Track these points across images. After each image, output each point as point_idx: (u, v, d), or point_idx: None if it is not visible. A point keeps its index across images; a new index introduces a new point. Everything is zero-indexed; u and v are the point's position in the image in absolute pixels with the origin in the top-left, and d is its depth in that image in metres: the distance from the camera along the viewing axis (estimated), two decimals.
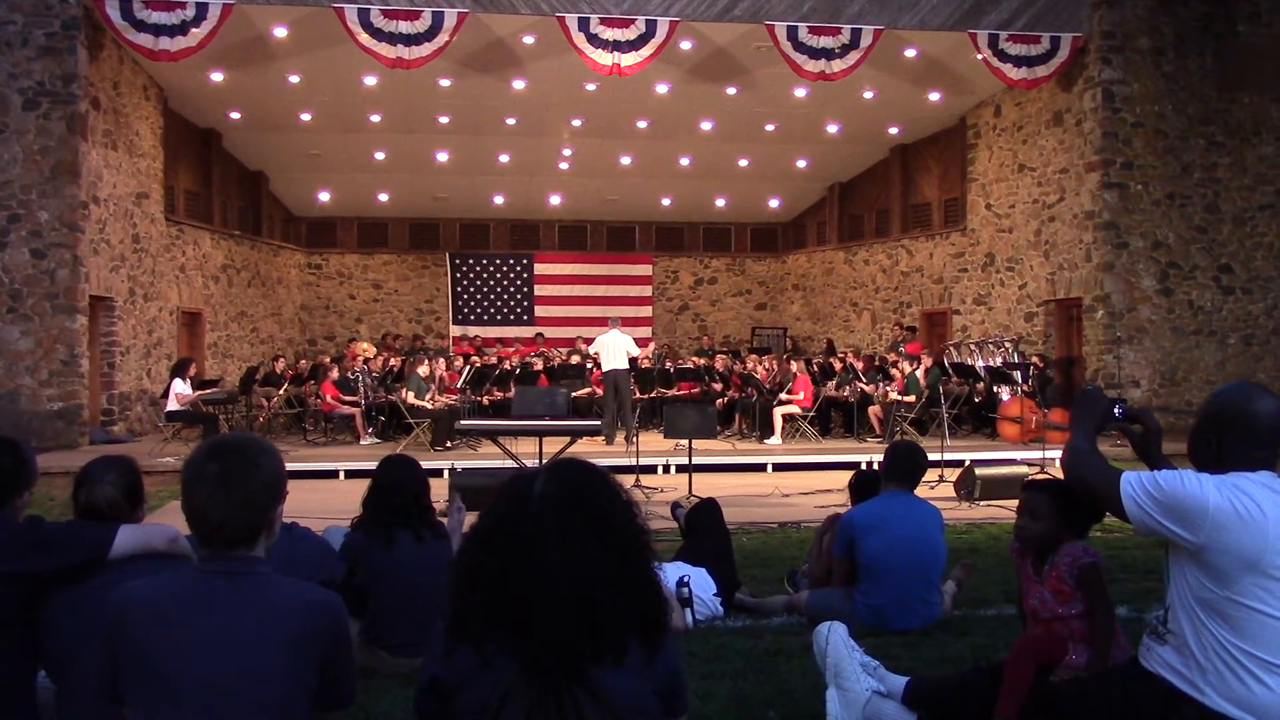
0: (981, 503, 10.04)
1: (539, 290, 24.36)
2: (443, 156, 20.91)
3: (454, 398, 15.76)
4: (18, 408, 14.44)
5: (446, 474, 10.87)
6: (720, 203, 23.94)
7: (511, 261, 24.34)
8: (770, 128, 19.99)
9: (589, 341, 18.14)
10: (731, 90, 18.18)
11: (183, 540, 3.17)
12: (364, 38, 14.37)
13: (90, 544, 3.10)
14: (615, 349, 15.10)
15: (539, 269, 24.39)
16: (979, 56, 15.80)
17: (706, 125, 19.74)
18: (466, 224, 24.56)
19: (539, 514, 2.09)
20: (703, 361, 19.24)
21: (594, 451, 13.43)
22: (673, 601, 5.48)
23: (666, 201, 23.88)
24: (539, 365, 18.34)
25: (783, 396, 15.80)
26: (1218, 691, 2.88)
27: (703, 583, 5.81)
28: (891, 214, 21.89)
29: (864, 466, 11.28)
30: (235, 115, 19.05)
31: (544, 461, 2.36)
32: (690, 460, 11.04)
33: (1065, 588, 3.88)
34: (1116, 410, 3.37)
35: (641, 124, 19.68)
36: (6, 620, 3.10)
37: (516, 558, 2.07)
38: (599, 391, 16.89)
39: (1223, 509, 2.85)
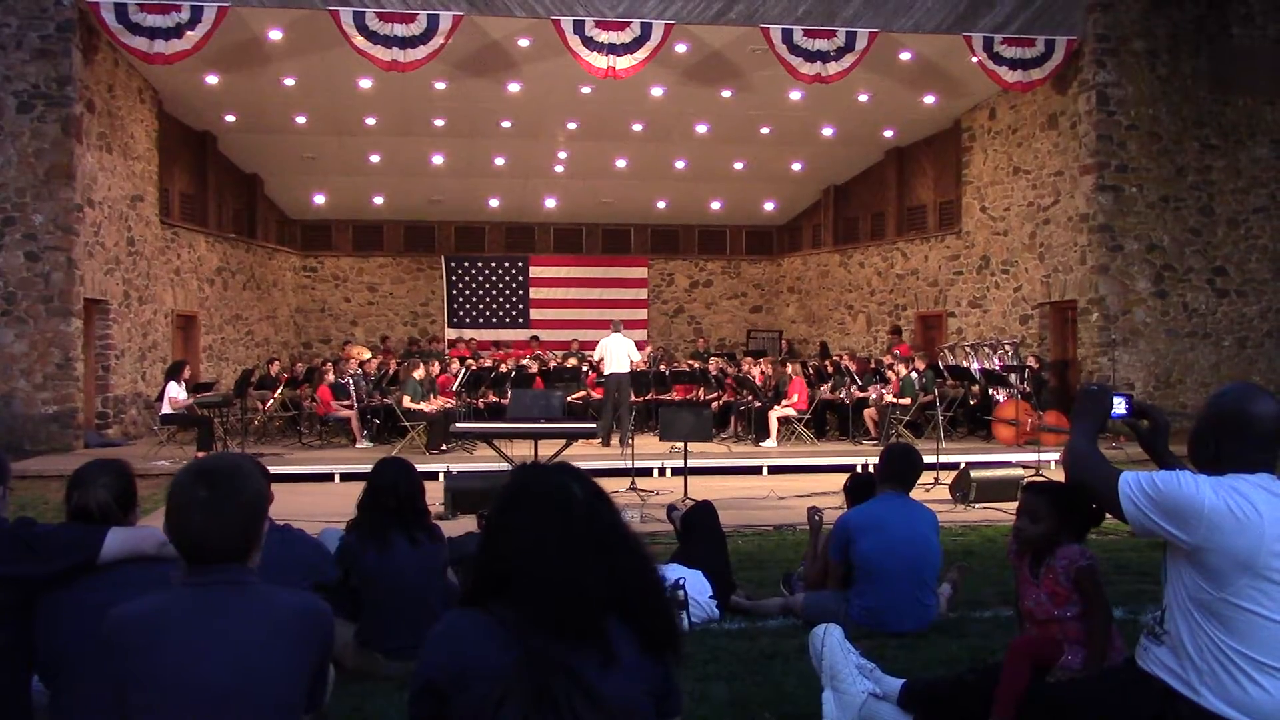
0: (977, 505, 10.05)
1: (534, 293, 24.35)
2: (438, 159, 20.91)
3: (449, 401, 15.76)
4: (12, 411, 14.41)
5: (442, 477, 10.87)
6: (715, 205, 23.96)
7: (507, 264, 24.34)
8: (765, 130, 20.00)
9: (585, 345, 18.14)
10: (726, 93, 18.19)
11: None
12: (359, 40, 14.36)
13: (80, 547, 3.10)
14: (617, 353, 15.16)
15: (534, 271, 24.39)
16: (974, 59, 15.82)
17: (701, 128, 19.75)
18: (461, 227, 24.56)
19: (580, 521, 2.17)
20: (698, 365, 19.24)
21: (589, 454, 13.45)
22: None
23: (661, 204, 23.89)
24: (534, 368, 18.34)
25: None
26: (1213, 692, 2.88)
27: (698, 585, 5.81)
28: (886, 216, 21.91)
29: (859, 469, 11.28)
30: (230, 118, 19.05)
31: (550, 460, 2.42)
32: (686, 463, 11.05)
33: (1061, 590, 3.88)
34: (1124, 406, 3.37)
35: (636, 126, 19.68)
36: None
37: (549, 554, 2.12)
38: (594, 394, 16.89)
39: (1218, 510, 2.85)
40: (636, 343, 17.01)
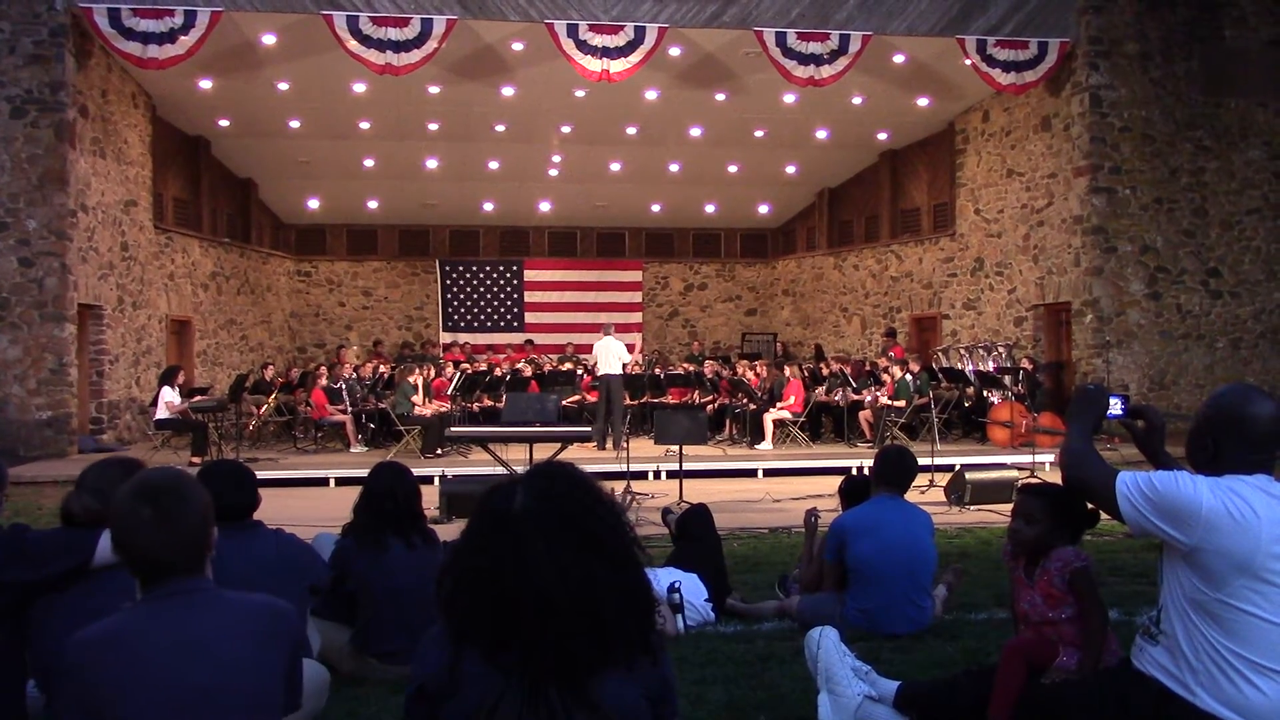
0: (972, 507, 10.05)
1: (529, 297, 24.34)
2: (432, 163, 20.91)
3: (444, 405, 15.75)
4: (6, 416, 14.38)
5: (437, 481, 10.87)
6: (710, 208, 23.97)
7: (501, 268, 24.33)
8: (759, 134, 20.02)
9: (580, 348, 18.19)
10: (720, 96, 18.20)
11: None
12: (353, 44, 14.37)
13: (72, 552, 3.09)
14: (609, 355, 15.21)
15: (529, 275, 24.38)
16: (967, 62, 15.85)
17: (696, 131, 19.77)
18: (456, 230, 24.56)
19: (514, 523, 2.08)
20: (693, 368, 19.24)
21: (585, 457, 13.43)
22: (664, 607, 5.48)
23: (656, 207, 23.89)
24: (529, 372, 18.34)
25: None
26: (1208, 692, 2.88)
27: (694, 588, 5.81)
28: (881, 219, 21.93)
29: (854, 471, 11.29)
30: (224, 123, 19.03)
31: (523, 470, 2.31)
32: (681, 466, 11.06)
33: (1056, 592, 3.88)
34: (1119, 407, 3.36)
35: (631, 130, 19.69)
36: None
37: (500, 567, 2.06)
38: (589, 398, 16.90)
39: (1216, 511, 2.85)
40: (627, 345, 17.03)
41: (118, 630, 2.33)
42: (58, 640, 3.06)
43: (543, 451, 10.26)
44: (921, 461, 6.76)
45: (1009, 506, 4.39)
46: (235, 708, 2.28)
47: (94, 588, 3.06)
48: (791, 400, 15.78)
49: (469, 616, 2.09)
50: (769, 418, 15.49)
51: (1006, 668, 3.65)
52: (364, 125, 19.12)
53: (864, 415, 15.95)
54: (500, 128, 19.40)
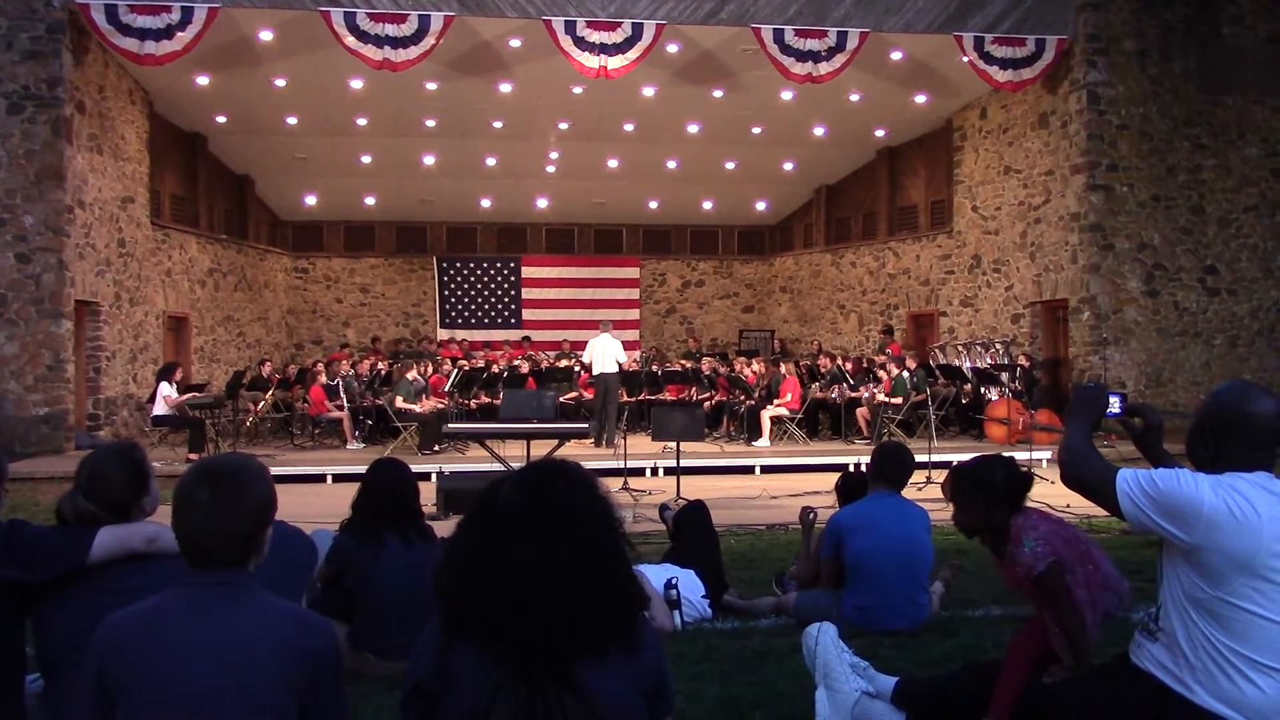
0: None
1: (526, 293, 24.35)
2: (429, 160, 20.89)
3: (442, 401, 15.75)
4: (3, 413, 14.36)
5: (434, 478, 10.87)
6: (707, 205, 23.96)
7: (499, 265, 24.33)
8: (757, 130, 20.00)
9: (576, 345, 18.23)
10: (718, 93, 18.19)
11: (164, 538, 3.11)
12: (350, 40, 14.35)
13: (67, 554, 3.07)
14: (605, 353, 15.21)
15: (526, 272, 24.38)
16: (964, 59, 15.85)
17: (693, 128, 19.75)
18: (453, 227, 24.53)
19: (505, 518, 2.09)
20: (690, 365, 19.25)
21: (583, 454, 13.43)
22: (660, 603, 5.48)
23: (654, 204, 23.88)
24: (526, 368, 18.34)
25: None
26: (1207, 690, 2.88)
27: (691, 584, 5.80)
28: (878, 216, 21.93)
29: (851, 468, 11.29)
30: (221, 119, 19.01)
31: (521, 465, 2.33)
32: (678, 462, 11.05)
33: (1025, 584, 3.79)
34: (1118, 405, 3.35)
35: (628, 127, 19.68)
36: None
37: (490, 562, 2.07)
38: (586, 395, 16.91)
39: (1217, 509, 2.84)
40: (625, 343, 17.03)
41: (147, 614, 2.33)
42: (63, 635, 3.05)
43: (540, 448, 10.27)
44: (919, 458, 6.77)
45: None
46: (229, 711, 2.26)
47: (95, 587, 3.04)
48: (789, 397, 15.79)
49: (464, 611, 2.09)
50: (766, 414, 15.50)
51: (1011, 665, 3.64)
52: (361, 122, 19.09)
53: (861, 412, 15.96)
54: (498, 124, 19.38)
